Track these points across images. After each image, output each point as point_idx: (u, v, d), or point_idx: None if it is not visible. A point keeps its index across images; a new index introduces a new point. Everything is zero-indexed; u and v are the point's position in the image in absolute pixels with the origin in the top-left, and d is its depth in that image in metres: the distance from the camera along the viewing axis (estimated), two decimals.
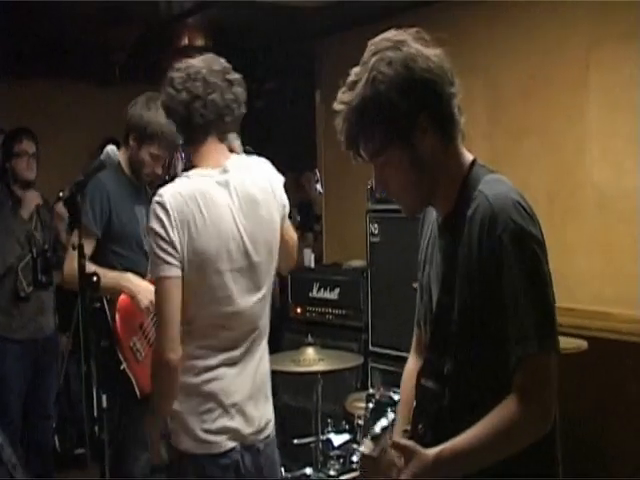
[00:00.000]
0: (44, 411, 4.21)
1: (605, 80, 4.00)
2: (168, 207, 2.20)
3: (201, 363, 2.31)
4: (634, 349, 3.82)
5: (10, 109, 5.34)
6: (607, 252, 3.98)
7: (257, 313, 2.38)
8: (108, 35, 5.49)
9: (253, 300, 2.35)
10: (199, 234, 2.21)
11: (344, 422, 3.83)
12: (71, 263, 3.06)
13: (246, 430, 2.35)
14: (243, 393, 2.35)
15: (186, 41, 6.27)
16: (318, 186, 6.06)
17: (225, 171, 2.31)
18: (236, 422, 2.33)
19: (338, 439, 3.72)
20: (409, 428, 1.61)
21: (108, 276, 3.01)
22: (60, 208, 4.20)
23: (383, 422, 1.45)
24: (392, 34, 1.60)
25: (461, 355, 1.60)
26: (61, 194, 2.72)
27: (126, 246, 3.25)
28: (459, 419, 1.39)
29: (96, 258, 3.13)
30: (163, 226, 2.19)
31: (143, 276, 3.21)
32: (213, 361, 2.31)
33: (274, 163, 2.56)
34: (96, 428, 2.55)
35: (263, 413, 2.43)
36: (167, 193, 2.23)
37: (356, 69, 1.61)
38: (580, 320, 3.96)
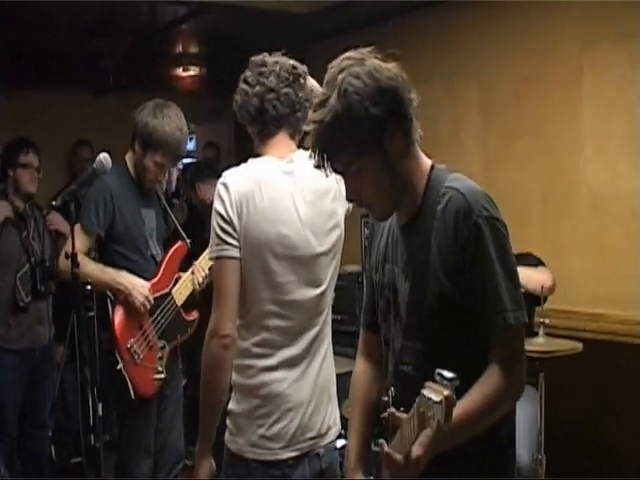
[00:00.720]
0: (40, 420, 4.17)
1: (599, 80, 4.00)
2: (230, 186, 2.19)
3: (260, 363, 2.24)
4: (629, 350, 3.82)
5: (5, 118, 5.31)
6: (601, 253, 3.98)
7: (316, 308, 2.31)
8: (102, 43, 5.49)
9: (313, 293, 2.29)
10: (258, 214, 2.18)
11: (340, 427, 3.81)
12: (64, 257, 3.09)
13: (304, 436, 2.27)
14: (303, 397, 2.27)
15: (180, 48, 6.28)
16: None
17: (291, 161, 2.29)
18: (293, 428, 2.24)
19: None
20: (387, 414, 1.64)
21: (105, 272, 3.09)
22: (55, 217, 4.18)
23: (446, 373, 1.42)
24: (351, 54, 1.72)
25: (438, 337, 1.71)
26: (53, 203, 2.70)
27: (130, 248, 3.26)
28: None
29: (101, 257, 3.18)
30: (224, 206, 2.18)
31: (147, 279, 3.23)
32: (272, 361, 2.24)
33: None
34: (92, 437, 2.55)
35: (324, 418, 2.34)
36: (230, 174, 2.23)
37: (321, 89, 1.71)
38: (575, 322, 3.96)
